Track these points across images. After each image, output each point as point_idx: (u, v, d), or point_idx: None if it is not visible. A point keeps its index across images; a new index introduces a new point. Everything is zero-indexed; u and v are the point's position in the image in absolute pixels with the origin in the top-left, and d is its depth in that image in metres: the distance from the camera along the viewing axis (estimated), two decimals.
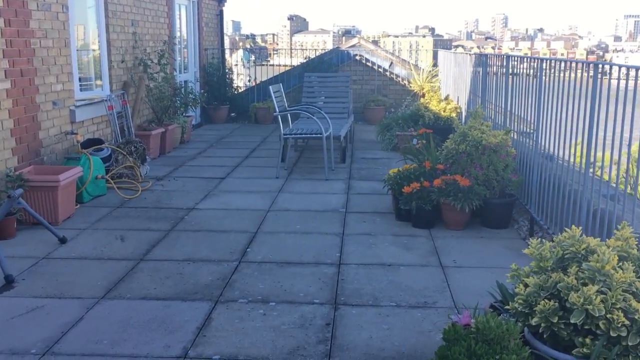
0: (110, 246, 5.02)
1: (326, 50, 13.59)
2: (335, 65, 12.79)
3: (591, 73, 4.14)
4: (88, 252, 4.87)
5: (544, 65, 5.16)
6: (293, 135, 7.75)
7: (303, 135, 7.69)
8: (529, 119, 5.56)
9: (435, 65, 12.85)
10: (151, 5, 9.50)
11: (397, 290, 4.12)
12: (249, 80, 13.46)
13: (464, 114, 9.07)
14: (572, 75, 4.62)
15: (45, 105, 6.39)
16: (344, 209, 6.15)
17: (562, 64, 4.99)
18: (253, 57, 21.64)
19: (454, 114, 9.18)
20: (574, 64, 4.76)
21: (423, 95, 12.13)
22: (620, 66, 3.82)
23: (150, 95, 9.17)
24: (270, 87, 7.72)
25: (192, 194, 6.74)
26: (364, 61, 13.06)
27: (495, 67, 6.99)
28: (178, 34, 11.00)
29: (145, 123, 9.12)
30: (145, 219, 5.82)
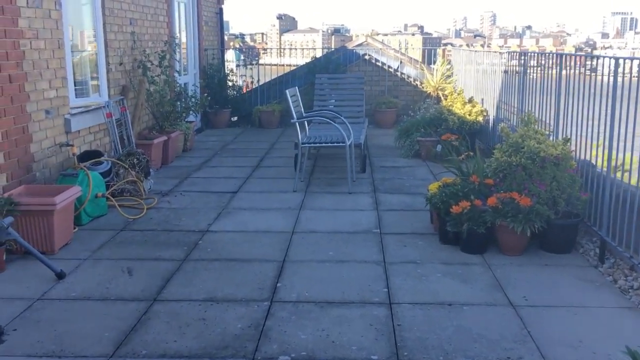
0: (117, 282, 4.28)
1: (331, 49, 12.86)
2: (343, 65, 12.07)
3: None
4: (91, 291, 4.12)
5: (617, 65, 4.46)
6: (313, 144, 7.02)
7: (324, 144, 6.96)
8: (591, 126, 4.88)
9: (448, 63, 12.16)
10: (150, 2, 8.73)
11: (469, 341, 3.41)
12: (251, 82, 12.68)
13: (491, 118, 8.38)
14: None
15: (37, 114, 5.62)
16: (377, 230, 5.43)
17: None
18: (243, 57, 20.85)
19: (480, 118, 8.49)
20: None
21: (438, 97, 11.45)
22: None
23: (150, 100, 8.40)
24: (287, 91, 6.98)
25: (204, 213, 5.99)
26: (373, 61, 12.35)
27: (539, 67, 6.30)
28: (177, 33, 10.24)
29: (145, 131, 8.36)
30: (154, 244, 5.08)
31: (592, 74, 5.89)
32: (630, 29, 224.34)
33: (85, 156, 6.25)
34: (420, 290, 4.10)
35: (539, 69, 6.45)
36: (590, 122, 4.86)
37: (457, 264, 4.61)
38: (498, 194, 4.83)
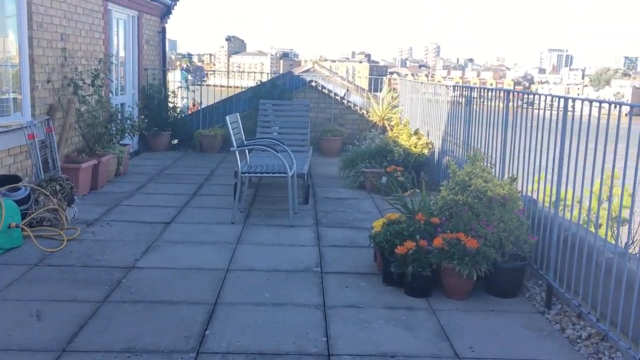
0: (23, 328, 3.79)
1: (278, 74, 12.62)
2: (289, 91, 11.82)
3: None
4: None
5: (567, 104, 4.35)
6: (253, 174, 6.67)
7: (265, 174, 6.62)
8: (537, 164, 4.75)
9: (395, 92, 12.09)
10: (85, 18, 8.26)
11: None
12: (194, 104, 12.25)
13: (437, 150, 8.27)
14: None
15: None
16: (318, 269, 5.12)
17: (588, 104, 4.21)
18: (190, 77, 20.41)
19: (425, 150, 8.36)
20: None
21: (384, 126, 11.34)
22: None
23: (81, 121, 7.88)
24: (227, 117, 6.64)
25: (131, 246, 5.54)
26: (319, 88, 12.17)
27: (484, 100, 6.20)
28: (115, 51, 9.75)
29: (74, 153, 7.82)
30: (71, 282, 4.59)
31: (530, 107, 5.84)
32: (566, 66, 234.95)
33: (2, 181, 5.71)
34: (361, 340, 3.79)
35: (484, 103, 6.35)
36: (536, 160, 4.73)
37: (401, 308, 4.33)
38: (444, 234, 4.61)
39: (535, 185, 4.80)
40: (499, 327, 4.07)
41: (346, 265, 5.21)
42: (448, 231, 4.67)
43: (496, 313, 4.31)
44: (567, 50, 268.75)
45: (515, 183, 4.91)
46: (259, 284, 4.71)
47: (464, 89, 7.08)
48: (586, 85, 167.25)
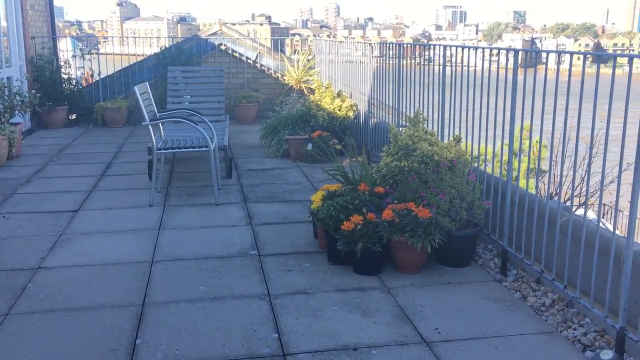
0: None
1: (183, 38, 11.72)
2: (196, 56, 11.00)
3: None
4: None
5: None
6: (171, 150, 6.00)
7: (185, 149, 5.98)
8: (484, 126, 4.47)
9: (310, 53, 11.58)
10: None
11: None
12: (92, 75, 11.16)
13: (362, 113, 7.90)
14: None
15: None
16: (255, 251, 4.64)
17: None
18: (81, 46, 18.89)
19: (350, 113, 7.98)
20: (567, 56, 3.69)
21: (301, 90, 10.83)
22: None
23: None
24: (135, 88, 5.88)
25: (34, 242, 4.80)
26: (229, 51, 11.42)
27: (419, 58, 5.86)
28: None
29: None
30: None
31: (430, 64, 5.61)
32: (460, 22, 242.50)
33: None
34: (317, 332, 3.38)
35: (416, 62, 6.02)
36: (483, 121, 4.45)
37: (353, 290, 3.96)
38: (393, 204, 4.25)
39: (482, 149, 4.53)
40: (460, 302, 3.78)
41: (285, 245, 4.76)
42: (396, 201, 4.32)
43: (453, 286, 4.03)
44: (461, 7, 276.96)
45: (460, 144, 4.62)
46: (191, 275, 4.17)
47: (392, 46, 6.70)
48: (480, 40, 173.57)
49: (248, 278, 4.13)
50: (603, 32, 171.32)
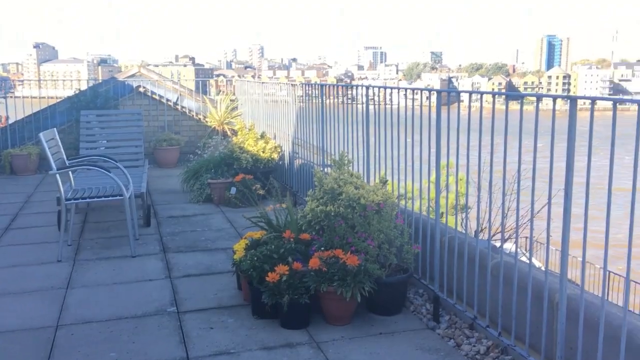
0: None
1: (99, 81, 11.27)
2: (113, 99, 10.58)
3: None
4: None
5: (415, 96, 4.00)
6: (81, 200, 5.58)
7: (97, 199, 5.57)
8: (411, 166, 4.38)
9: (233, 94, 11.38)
10: None
11: None
12: (6, 118, 10.49)
13: (287, 154, 7.73)
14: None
15: None
16: (174, 308, 4.29)
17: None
18: None
19: (275, 155, 7.79)
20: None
21: (224, 132, 10.58)
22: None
23: None
24: (40, 135, 5.46)
25: None
26: (149, 93, 11.06)
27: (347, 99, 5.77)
28: None
29: None
30: None
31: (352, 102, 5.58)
32: (381, 62, 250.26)
33: None
34: None
35: (340, 101, 5.93)
36: (408, 159, 4.36)
37: (280, 346, 3.68)
38: (319, 252, 4.04)
39: (409, 186, 4.42)
40: (394, 355, 3.58)
41: (207, 299, 4.44)
42: (322, 248, 4.12)
43: (386, 336, 3.84)
44: (381, 48, 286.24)
45: (386, 186, 4.50)
46: (100, 340, 3.77)
47: (315, 87, 6.61)
48: (400, 80, 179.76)
49: (165, 340, 3.77)
50: (514, 71, 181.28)
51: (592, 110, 2.71)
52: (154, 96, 11.07)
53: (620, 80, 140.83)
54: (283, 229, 4.46)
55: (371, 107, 5.00)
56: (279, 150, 7.91)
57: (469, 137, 3.81)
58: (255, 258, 4.09)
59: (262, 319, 4.05)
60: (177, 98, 11.25)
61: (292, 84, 7.41)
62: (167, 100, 11.14)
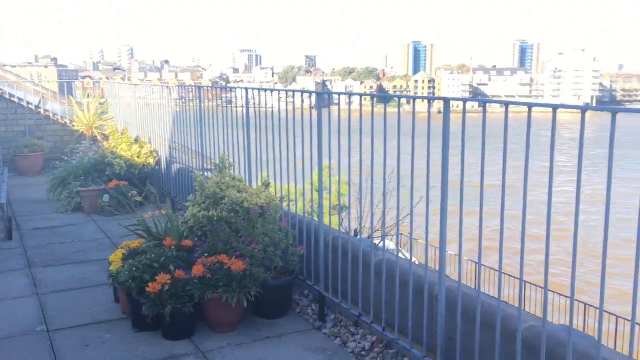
0: None
1: None
2: None
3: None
4: None
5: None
6: None
7: None
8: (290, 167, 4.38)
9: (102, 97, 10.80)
10: None
11: None
12: None
13: (164, 158, 7.46)
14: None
15: None
16: (43, 326, 3.97)
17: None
18: None
19: (151, 160, 7.49)
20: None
21: (94, 136, 10.00)
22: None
23: None
24: None
25: None
26: (6, 96, 10.19)
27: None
28: None
29: None
30: None
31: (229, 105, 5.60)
32: (257, 65, 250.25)
33: None
34: None
35: (218, 104, 5.83)
36: (291, 162, 4.36)
37: (164, 359, 3.53)
38: (203, 258, 3.93)
39: (292, 193, 4.43)
40: (282, 358, 3.57)
41: (81, 315, 4.15)
42: (206, 255, 4.00)
43: (273, 340, 3.81)
44: (256, 51, 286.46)
45: (269, 189, 4.47)
46: None
47: (193, 89, 6.42)
48: (276, 83, 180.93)
49: None
50: (384, 75, 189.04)
51: (464, 111, 2.85)
52: (12, 99, 10.22)
53: (478, 85, 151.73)
54: (163, 236, 4.28)
55: (251, 110, 4.95)
56: (155, 155, 7.62)
57: (350, 139, 3.87)
58: (135, 268, 3.88)
59: (144, 331, 3.86)
60: (40, 101, 10.48)
61: (167, 86, 7.16)
62: (28, 103, 10.34)
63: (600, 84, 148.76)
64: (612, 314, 8.86)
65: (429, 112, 3.01)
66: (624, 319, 8.88)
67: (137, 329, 3.89)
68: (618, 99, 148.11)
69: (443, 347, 3.04)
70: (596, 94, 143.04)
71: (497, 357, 2.69)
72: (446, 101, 2.90)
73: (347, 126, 3.71)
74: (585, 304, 9.37)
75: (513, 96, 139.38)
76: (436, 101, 3.32)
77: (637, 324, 2.18)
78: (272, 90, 4.72)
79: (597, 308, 3.03)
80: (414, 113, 3.06)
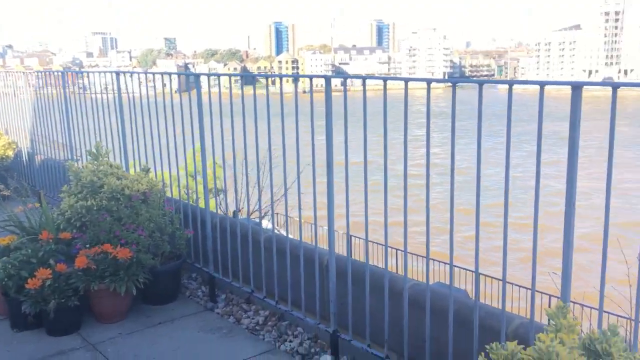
0: None
1: None
2: None
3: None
4: None
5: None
6: None
7: None
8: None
9: None
10: None
11: None
12: None
13: (25, 150, 6.98)
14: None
15: None
16: None
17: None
18: None
19: (10, 152, 6.97)
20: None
21: None
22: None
23: None
24: None
25: None
26: None
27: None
28: None
29: None
30: None
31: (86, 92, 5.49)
32: (112, 48, 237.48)
33: None
34: None
35: (84, 91, 5.57)
36: (169, 148, 4.31)
37: (50, 356, 3.40)
38: (85, 249, 3.79)
39: (174, 178, 4.39)
40: (177, 341, 3.58)
41: None
42: (88, 245, 3.87)
43: (166, 325, 3.80)
44: (110, 33, 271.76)
45: (149, 174, 4.40)
46: None
47: (57, 75, 6.04)
48: (135, 67, 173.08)
49: None
50: (247, 56, 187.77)
51: (344, 89, 3.01)
52: None
53: (340, 64, 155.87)
54: (38, 230, 4.07)
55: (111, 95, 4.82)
56: (14, 147, 7.10)
57: (222, 120, 3.94)
58: (10, 266, 3.67)
59: (25, 330, 3.68)
60: None
61: (22, 72, 6.68)
62: None
63: (451, 61, 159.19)
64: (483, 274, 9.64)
65: (296, 92, 3.14)
66: (495, 278, 9.73)
67: (17, 329, 3.70)
68: (467, 74, 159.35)
69: (335, 313, 3.22)
70: (447, 70, 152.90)
71: (386, 315, 2.91)
72: (327, 79, 3.03)
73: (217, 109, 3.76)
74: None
75: (373, 73, 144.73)
76: (300, 81, 3.44)
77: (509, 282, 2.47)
78: (145, 73, 4.61)
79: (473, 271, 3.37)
80: (311, 94, 3.16)
